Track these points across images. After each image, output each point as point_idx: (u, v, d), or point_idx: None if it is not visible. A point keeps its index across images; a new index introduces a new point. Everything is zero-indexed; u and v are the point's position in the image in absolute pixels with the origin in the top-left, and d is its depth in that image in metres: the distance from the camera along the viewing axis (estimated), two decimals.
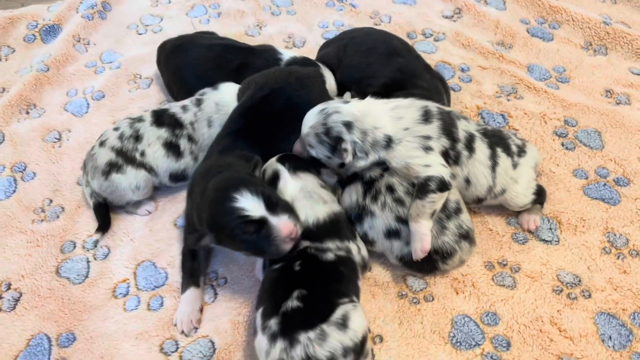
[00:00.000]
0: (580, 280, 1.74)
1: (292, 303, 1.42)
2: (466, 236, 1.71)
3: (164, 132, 1.98)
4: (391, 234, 1.69)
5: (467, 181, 1.74)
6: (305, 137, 1.70)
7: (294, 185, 1.66)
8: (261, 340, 1.41)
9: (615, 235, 1.85)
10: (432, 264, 1.70)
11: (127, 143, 1.95)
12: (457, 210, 1.70)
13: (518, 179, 1.79)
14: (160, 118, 2.01)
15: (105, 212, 1.97)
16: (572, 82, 2.41)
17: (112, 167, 1.92)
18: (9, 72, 2.61)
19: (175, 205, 2.01)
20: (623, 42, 2.53)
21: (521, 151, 1.82)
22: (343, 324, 1.38)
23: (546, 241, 1.85)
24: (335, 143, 1.65)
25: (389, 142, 1.66)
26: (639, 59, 2.49)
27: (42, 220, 1.99)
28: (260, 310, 1.47)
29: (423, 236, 1.61)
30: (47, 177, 2.13)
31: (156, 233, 1.93)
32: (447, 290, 1.73)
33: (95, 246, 1.91)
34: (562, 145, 2.14)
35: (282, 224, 1.47)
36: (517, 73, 2.43)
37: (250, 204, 1.45)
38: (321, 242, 1.57)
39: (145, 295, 1.77)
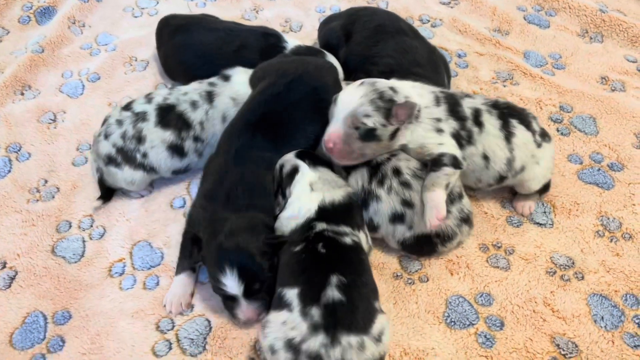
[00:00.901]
0: (573, 263, 1.76)
1: (334, 293, 1.39)
2: (467, 220, 1.72)
3: (169, 135, 1.90)
4: (396, 218, 1.69)
5: (485, 157, 1.74)
6: (359, 108, 1.63)
7: (313, 176, 1.68)
8: (297, 322, 1.37)
9: (608, 219, 1.87)
10: (431, 246, 1.72)
11: (128, 143, 1.88)
12: (460, 195, 1.72)
13: (540, 161, 1.78)
14: (166, 117, 1.91)
15: (108, 185, 1.97)
16: (568, 68, 2.42)
17: (110, 161, 1.89)
18: (3, 53, 2.59)
19: (171, 187, 2.01)
20: (619, 29, 2.54)
21: (545, 135, 1.82)
22: (379, 339, 1.38)
23: (540, 224, 1.86)
24: (390, 105, 1.63)
25: (417, 114, 1.69)
26: (634, 46, 2.50)
27: (38, 200, 1.99)
28: (296, 292, 1.42)
29: (438, 204, 1.60)
30: (42, 157, 2.13)
31: (152, 214, 1.93)
32: (441, 271, 1.75)
33: (91, 226, 1.91)
34: (557, 130, 2.15)
35: (246, 310, 1.56)
36: (513, 59, 2.44)
37: (230, 283, 1.52)
38: (337, 225, 1.56)
39: (141, 274, 1.78)
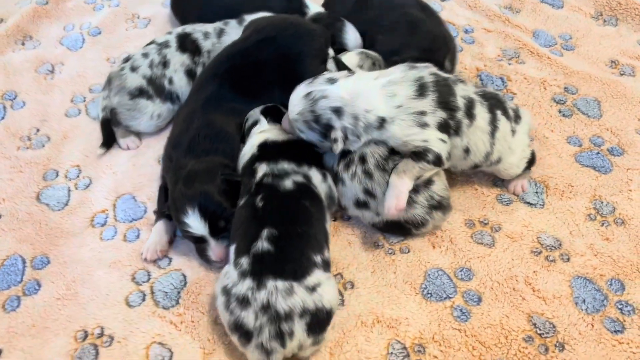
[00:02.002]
0: (560, 244, 1.71)
1: (263, 244, 1.44)
2: (438, 206, 1.64)
3: (186, 59, 2.04)
4: (360, 204, 1.65)
5: (467, 151, 1.65)
6: (294, 122, 1.62)
7: (267, 128, 1.73)
8: (230, 272, 1.45)
9: (602, 202, 1.81)
10: (405, 230, 1.68)
11: (156, 70, 2.00)
12: (428, 182, 1.63)
13: (515, 150, 1.73)
14: (184, 43, 2.05)
15: (110, 129, 1.99)
16: (578, 50, 2.34)
17: (141, 93, 1.97)
18: (8, 3, 2.59)
19: (160, 143, 1.98)
20: (634, 14, 2.44)
21: (517, 117, 1.76)
22: (313, 289, 1.40)
23: (531, 204, 1.81)
24: (325, 130, 1.57)
25: (381, 123, 1.56)
26: None
27: (28, 148, 2.00)
28: (233, 247, 1.49)
29: (400, 194, 1.54)
30: (36, 107, 2.13)
31: (139, 168, 1.93)
32: (424, 244, 1.72)
33: (78, 176, 1.91)
34: (559, 112, 2.09)
35: (216, 250, 1.59)
36: (521, 37, 2.37)
37: (194, 223, 1.55)
38: (276, 163, 1.59)
39: (122, 226, 1.78)
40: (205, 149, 1.68)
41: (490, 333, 1.52)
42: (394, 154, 1.61)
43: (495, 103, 1.69)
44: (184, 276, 1.65)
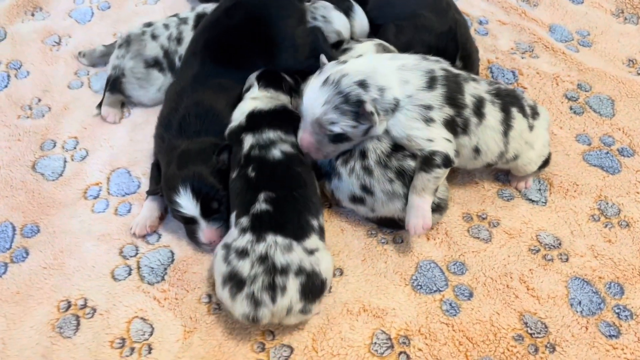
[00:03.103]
0: (560, 243, 1.65)
1: (261, 206, 1.46)
2: (436, 209, 1.59)
3: None
4: (355, 199, 1.61)
5: (477, 150, 1.59)
6: (323, 116, 1.46)
7: (258, 94, 1.70)
8: (231, 231, 1.48)
9: (607, 204, 1.75)
10: (399, 226, 1.63)
11: (171, 45, 2.00)
12: None
13: (534, 144, 1.66)
14: (199, 22, 2.00)
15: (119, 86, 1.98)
16: (594, 47, 2.27)
17: (156, 64, 1.97)
18: None
19: None
20: None
21: (534, 113, 1.69)
22: (311, 252, 1.42)
23: (533, 201, 1.76)
24: (357, 108, 1.44)
25: (395, 106, 1.48)
26: None
27: (28, 117, 1.99)
28: (233, 214, 1.50)
29: (425, 212, 1.50)
30: (40, 77, 2.12)
31: (137, 143, 1.91)
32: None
33: (75, 147, 1.90)
34: (571, 109, 2.02)
35: (206, 231, 1.56)
36: (537, 31, 2.29)
37: (185, 203, 1.52)
38: (261, 133, 1.58)
39: (114, 200, 1.76)
40: (197, 130, 1.65)
41: (479, 329, 1.47)
42: (397, 151, 1.55)
43: (510, 100, 1.62)
44: (172, 253, 1.63)
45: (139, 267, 1.60)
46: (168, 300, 1.53)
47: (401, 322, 1.48)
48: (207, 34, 1.84)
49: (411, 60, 1.56)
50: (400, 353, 1.43)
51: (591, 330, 1.47)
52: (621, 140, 1.92)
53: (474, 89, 1.56)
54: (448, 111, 1.50)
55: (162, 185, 1.59)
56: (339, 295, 1.54)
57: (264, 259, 1.37)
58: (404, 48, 1.82)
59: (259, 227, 1.42)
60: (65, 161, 1.86)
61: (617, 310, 1.51)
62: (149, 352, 1.43)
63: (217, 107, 1.71)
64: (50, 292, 1.55)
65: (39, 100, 2.05)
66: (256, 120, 1.62)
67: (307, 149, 1.55)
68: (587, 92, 2.07)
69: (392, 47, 1.87)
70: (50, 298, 1.54)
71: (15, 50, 2.22)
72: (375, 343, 1.44)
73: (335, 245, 1.64)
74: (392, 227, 1.67)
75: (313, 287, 1.39)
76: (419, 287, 1.56)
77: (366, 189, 1.57)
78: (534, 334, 1.46)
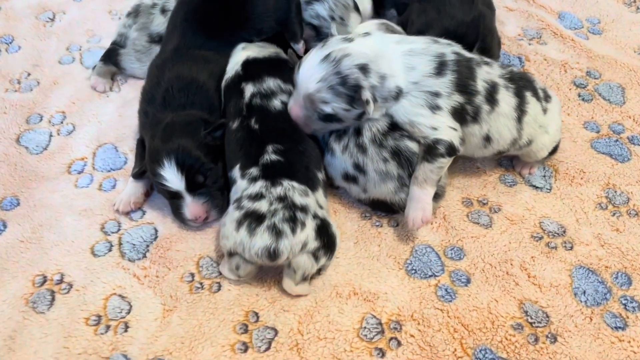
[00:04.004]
0: (565, 231, 1.56)
1: (270, 157, 1.44)
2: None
3: None
4: (348, 178, 1.53)
5: (487, 139, 1.50)
6: (316, 93, 1.40)
7: (250, 45, 1.73)
8: (238, 183, 1.44)
9: (615, 192, 1.65)
10: (392, 210, 1.56)
11: None
12: None
13: (548, 128, 1.58)
14: None
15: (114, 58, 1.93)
16: (605, 34, 2.18)
17: (160, 40, 1.88)
18: None
19: None
20: None
21: (547, 96, 1.60)
22: (321, 207, 1.43)
23: (537, 187, 1.67)
24: (353, 92, 1.38)
25: (398, 95, 1.42)
26: None
27: (16, 91, 1.93)
28: (237, 167, 1.46)
29: (426, 205, 1.45)
30: (30, 51, 2.07)
31: (125, 119, 1.84)
32: None
33: (62, 122, 1.84)
34: (579, 95, 1.94)
35: (192, 206, 1.49)
36: (545, 18, 2.21)
37: (170, 176, 1.46)
38: (261, 82, 1.57)
39: (99, 175, 1.69)
40: (182, 103, 1.59)
41: (476, 317, 1.38)
42: (394, 130, 1.47)
43: (523, 84, 1.54)
44: (156, 230, 1.56)
45: (120, 244, 1.52)
46: (148, 277, 1.45)
47: (393, 306, 1.40)
48: (186, 7, 1.79)
49: (420, 44, 1.47)
50: (391, 339, 1.34)
51: (596, 321, 1.38)
52: (631, 128, 1.83)
53: (486, 74, 1.48)
54: (457, 99, 1.42)
55: (146, 159, 1.52)
56: (328, 278, 1.45)
57: (282, 198, 1.36)
58: (421, 29, 1.73)
59: (272, 174, 1.40)
60: (50, 135, 1.80)
61: (624, 302, 1.42)
62: (125, 331, 1.35)
63: (200, 79, 1.64)
64: (26, 266, 1.48)
65: (29, 74, 1.99)
66: (254, 68, 1.61)
67: (295, 119, 1.49)
68: (597, 80, 1.99)
69: (397, 28, 1.79)
70: (25, 272, 1.47)
71: (8, 25, 2.17)
72: (365, 327, 1.36)
73: None
74: (386, 211, 1.58)
75: (327, 235, 1.38)
76: (413, 271, 1.47)
77: (359, 167, 1.49)
78: (534, 323, 1.37)
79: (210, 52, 1.71)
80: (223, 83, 1.64)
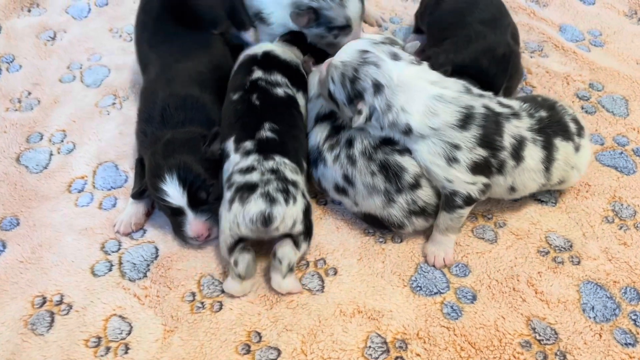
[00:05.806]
0: (571, 246, 1.54)
1: (266, 133, 1.48)
2: (420, 212, 1.47)
3: None
4: (339, 189, 1.52)
5: (512, 189, 1.47)
6: (332, 67, 1.44)
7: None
8: (231, 157, 1.47)
9: (622, 205, 1.63)
10: (385, 227, 1.53)
11: None
12: (414, 186, 1.44)
13: (581, 167, 1.54)
14: None
15: None
16: (607, 47, 2.17)
17: None
18: None
19: None
20: None
21: (579, 128, 1.53)
22: (303, 195, 1.45)
23: (542, 201, 1.65)
24: (354, 96, 1.40)
25: (408, 132, 1.39)
26: None
27: (16, 110, 1.93)
28: (232, 139, 1.50)
29: (448, 249, 1.49)
30: (31, 70, 2.08)
31: (126, 137, 1.83)
32: (418, 234, 1.56)
33: (62, 141, 1.83)
34: (582, 108, 1.92)
35: (194, 224, 1.46)
36: (546, 31, 2.21)
37: (172, 191, 1.44)
38: (270, 73, 1.65)
39: (99, 194, 1.68)
40: (180, 121, 1.58)
41: (483, 334, 1.35)
42: (386, 144, 1.46)
43: (553, 131, 1.46)
44: (156, 249, 1.54)
45: (120, 263, 1.51)
46: (149, 297, 1.43)
47: (398, 325, 1.37)
48: (146, 34, 1.85)
49: (452, 91, 1.41)
50: (397, 358, 1.31)
51: (605, 338, 1.35)
52: (636, 141, 1.81)
53: (515, 128, 1.42)
54: (481, 152, 1.38)
55: (146, 175, 1.51)
56: (331, 296, 1.43)
57: (274, 171, 1.40)
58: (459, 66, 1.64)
59: (266, 150, 1.44)
60: (51, 154, 1.79)
61: (633, 317, 1.39)
62: (126, 352, 1.33)
63: (194, 94, 1.64)
64: (25, 286, 1.46)
65: (29, 93, 1.99)
66: (271, 62, 1.69)
67: (320, 74, 1.55)
68: (600, 92, 1.97)
69: (400, 43, 1.74)
70: (24, 293, 1.45)
71: (9, 44, 2.18)
72: (370, 347, 1.33)
73: (330, 243, 1.54)
74: (380, 227, 1.56)
75: (308, 220, 1.43)
76: (418, 288, 1.45)
77: (348, 179, 1.49)
78: (542, 340, 1.34)
79: (190, 60, 1.75)
80: (241, 55, 1.77)
